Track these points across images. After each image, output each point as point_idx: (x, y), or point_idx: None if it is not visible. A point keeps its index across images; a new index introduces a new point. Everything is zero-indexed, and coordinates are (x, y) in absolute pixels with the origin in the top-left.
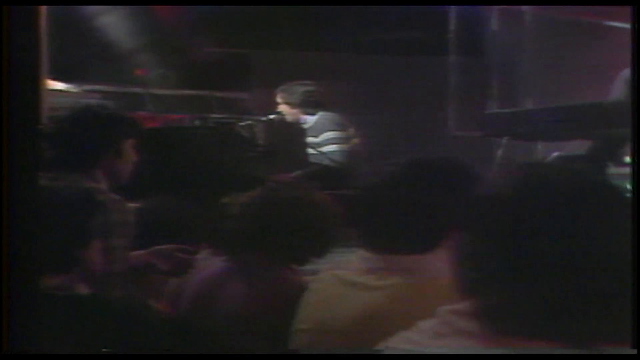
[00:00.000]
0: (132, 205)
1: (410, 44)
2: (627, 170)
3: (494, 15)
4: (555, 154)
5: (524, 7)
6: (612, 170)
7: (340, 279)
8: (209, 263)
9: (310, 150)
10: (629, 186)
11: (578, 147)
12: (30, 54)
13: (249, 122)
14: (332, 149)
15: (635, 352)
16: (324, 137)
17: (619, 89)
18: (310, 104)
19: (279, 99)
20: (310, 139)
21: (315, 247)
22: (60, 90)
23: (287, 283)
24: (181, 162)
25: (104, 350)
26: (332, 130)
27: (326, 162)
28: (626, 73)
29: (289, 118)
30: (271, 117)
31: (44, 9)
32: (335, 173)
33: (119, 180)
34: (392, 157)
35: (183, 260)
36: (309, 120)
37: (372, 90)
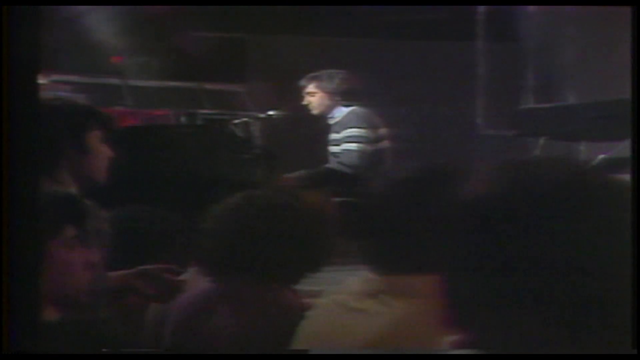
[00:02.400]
0: (106, 214)
1: (430, 26)
2: None
3: None
4: (601, 156)
5: None
6: None
7: (341, 306)
8: (194, 284)
9: (329, 148)
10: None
11: (629, 148)
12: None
13: (245, 119)
14: (348, 147)
15: (635, 352)
16: (345, 133)
17: None
18: (349, 94)
19: (312, 88)
20: (333, 135)
21: (310, 261)
22: None
23: (283, 307)
24: (165, 166)
25: (104, 350)
26: (357, 127)
27: (334, 165)
28: None
29: (319, 110)
30: (270, 113)
31: None
32: (341, 178)
33: (90, 182)
34: (407, 161)
35: (170, 282)
36: (338, 113)
37: (384, 82)
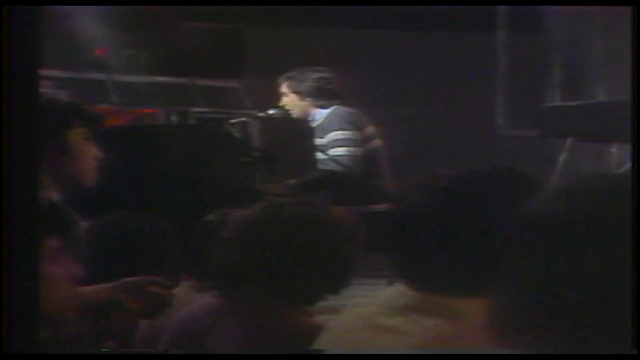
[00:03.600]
0: (89, 221)
1: (447, 15)
2: None
3: None
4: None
5: None
6: None
7: (366, 321)
8: (190, 299)
9: (318, 155)
10: None
11: None
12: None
13: (242, 118)
14: (338, 153)
15: (635, 352)
16: (329, 137)
17: None
18: (324, 95)
19: (285, 88)
20: (317, 140)
21: (330, 281)
22: None
23: (295, 327)
24: (154, 170)
25: (104, 350)
26: (341, 130)
27: (333, 168)
28: None
29: (294, 112)
30: (271, 112)
31: None
32: (342, 182)
33: (72, 185)
34: (422, 165)
35: (158, 296)
36: (319, 115)
37: (397, 77)
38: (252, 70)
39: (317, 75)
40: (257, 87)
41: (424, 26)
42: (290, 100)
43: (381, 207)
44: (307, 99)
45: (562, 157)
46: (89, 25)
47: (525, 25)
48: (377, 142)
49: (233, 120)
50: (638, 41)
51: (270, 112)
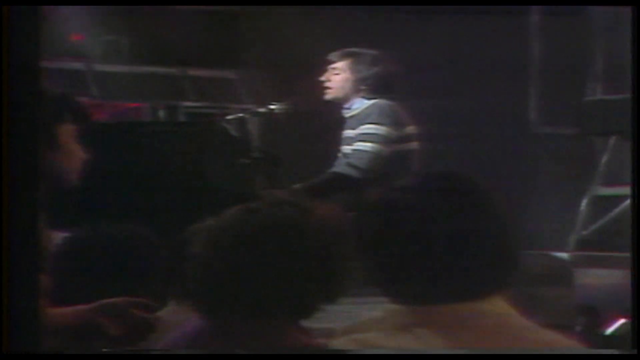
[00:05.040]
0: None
1: None
2: None
3: None
4: None
5: None
6: None
7: (368, 346)
8: (177, 322)
9: (342, 148)
10: None
11: None
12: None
13: (241, 114)
14: (360, 147)
15: (635, 352)
16: (360, 130)
17: None
18: (379, 88)
19: (340, 64)
20: (346, 132)
21: (321, 289)
22: None
23: (295, 347)
24: (138, 174)
25: (104, 350)
26: (376, 124)
27: (340, 168)
28: None
29: (338, 94)
30: (273, 106)
31: None
32: (348, 184)
33: (51, 190)
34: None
35: (141, 320)
36: (357, 105)
37: (421, 69)
38: (251, 59)
39: (383, 63)
40: (258, 78)
41: (443, 10)
42: (340, 80)
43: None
44: (362, 86)
45: (604, 159)
46: (63, 6)
47: (563, 8)
48: (413, 145)
49: (230, 117)
50: (638, 41)
51: (272, 106)
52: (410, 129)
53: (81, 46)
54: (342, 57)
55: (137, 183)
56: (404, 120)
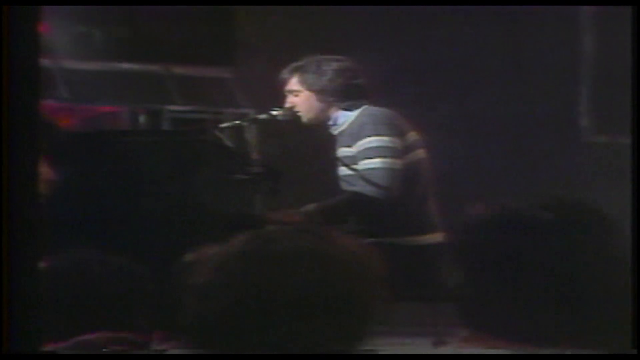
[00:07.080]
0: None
1: None
2: None
3: None
4: None
5: None
6: None
7: None
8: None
9: (342, 169)
10: None
11: None
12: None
13: (236, 121)
14: (371, 166)
15: (635, 352)
16: (361, 146)
17: None
18: (349, 93)
19: (294, 84)
20: (342, 150)
21: (338, 333)
22: None
23: None
24: (116, 192)
25: (104, 350)
26: (376, 135)
27: (361, 188)
28: None
29: (309, 117)
30: (275, 112)
31: None
32: (374, 208)
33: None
34: (482, 184)
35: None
36: (342, 119)
37: (444, 67)
38: (247, 58)
39: (339, 65)
40: (256, 78)
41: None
42: (303, 101)
43: (427, 238)
44: (328, 98)
45: None
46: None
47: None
48: (420, 153)
49: (223, 124)
50: (638, 41)
51: (274, 112)
52: (412, 137)
53: (46, 39)
54: (292, 73)
55: (113, 204)
56: (404, 127)
